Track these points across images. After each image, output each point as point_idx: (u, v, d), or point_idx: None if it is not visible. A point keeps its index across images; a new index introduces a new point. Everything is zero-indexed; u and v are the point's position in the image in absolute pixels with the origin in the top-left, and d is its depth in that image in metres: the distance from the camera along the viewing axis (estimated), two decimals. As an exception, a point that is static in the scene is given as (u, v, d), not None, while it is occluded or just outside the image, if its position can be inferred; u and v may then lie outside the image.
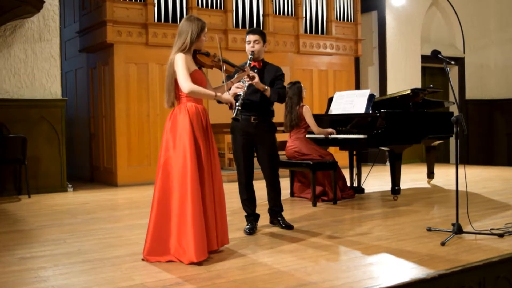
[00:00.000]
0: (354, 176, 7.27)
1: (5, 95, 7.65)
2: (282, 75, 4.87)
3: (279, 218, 4.94)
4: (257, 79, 4.53)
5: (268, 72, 4.84)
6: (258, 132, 4.76)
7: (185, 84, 3.83)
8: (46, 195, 7.61)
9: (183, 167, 3.76)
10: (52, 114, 7.91)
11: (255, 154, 4.88)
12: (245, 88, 4.36)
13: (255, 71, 4.70)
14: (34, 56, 7.86)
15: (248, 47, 4.78)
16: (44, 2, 7.53)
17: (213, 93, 4.03)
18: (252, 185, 4.84)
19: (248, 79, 4.40)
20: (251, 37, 4.78)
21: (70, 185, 8.10)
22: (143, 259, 3.81)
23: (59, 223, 5.42)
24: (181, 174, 3.76)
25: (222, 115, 8.66)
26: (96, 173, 9.41)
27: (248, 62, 4.70)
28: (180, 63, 3.85)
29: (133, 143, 8.71)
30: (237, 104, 4.26)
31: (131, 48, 8.68)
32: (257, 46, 4.77)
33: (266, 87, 4.64)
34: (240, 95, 4.32)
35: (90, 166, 9.58)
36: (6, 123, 7.52)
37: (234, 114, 4.24)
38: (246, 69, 4.37)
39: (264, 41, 4.85)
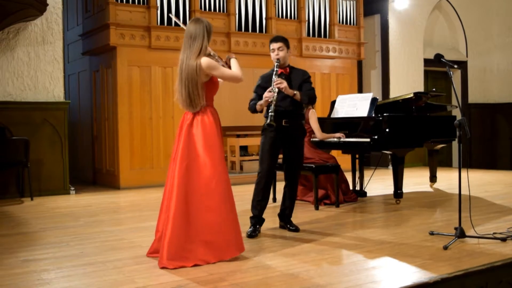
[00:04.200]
0: (357, 179, 7.27)
1: (8, 97, 7.66)
2: (309, 77, 4.97)
3: (287, 222, 4.98)
4: (285, 84, 4.63)
5: (296, 76, 4.91)
6: (289, 135, 4.83)
7: (236, 74, 4.03)
8: (48, 197, 7.62)
9: (219, 169, 3.88)
10: (55, 117, 7.92)
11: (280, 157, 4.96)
12: (275, 94, 4.57)
13: (283, 77, 4.79)
14: (37, 59, 7.87)
15: (273, 55, 4.86)
16: (47, 5, 7.55)
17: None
18: (269, 189, 4.86)
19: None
20: (274, 45, 4.85)
21: (72, 188, 8.11)
22: (162, 267, 3.67)
23: (62, 225, 5.43)
24: (217, 176, 3.87)
25: (224, 118, 8.66)
26: (98, 176, 9.42)
27: (275, 69, 4.76)
28: (216, 63, 3.97)
29: (136, 146, 8.72)
30: (269, 110, 4.53)
31: (134, 51, 8.70)
32: (281, 53, 4.84)
33: (295, 92, 4.72)
34: (272, 102, 4.54)
35: (92, 169, 9.59)
36: (9, 126, 7.53)
37: (268, 120, 4.49)
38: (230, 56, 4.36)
39: (288, 46, 4.91)
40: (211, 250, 3.78)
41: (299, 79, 4.88)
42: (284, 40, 4.89)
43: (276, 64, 4.78)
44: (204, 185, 3.84)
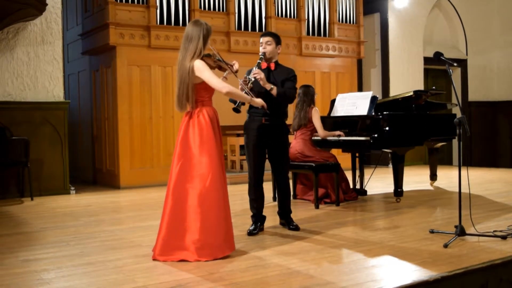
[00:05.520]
0: (357, 178, 7.27)
1: (8, 97, 7.66)
2: (294, 76, 4.95)
3: (287, 220, 4.98)
4: (262, 76, 4.64)
5: (280, 73, 4.90)
6: (271, 133, 4.82)
7: (223, 86, 3.96)
8: (49, 197, 7.62)
9: (214, 169, 3.91)
10: (55, 116, 7.92)
11: (267, 155, 4.95)
12: (250, 83, 4.57)
13: (265, 72, 4.80)
14: (37, 59, 7.87)
15: (260, 49, 4.87)
16: (47, 4, 7.55)
17: (248, 97, 4.25)
18: (261, 186, 4.87)
19: (231, 75, 4.45)
20: (263, 39, 4.89)
21: (72, 188, 8.11)
22: (154, 259, 3.88)
23: (62, 225, 5.43)
24: (212, 176, 3.89)
25: (223, 117, 8.66)
26: (98, 176, 9.42)
27: (258, 62, 4.77)
28: (206, 68, 3.96)
29: (136, 146, 8.72)
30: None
31: (134, 51, 8.69)
32: (268, 48, 4.85)
33: (272, 86, 4.70)
34: (244, 90, 4.49)
35: (92, 169, 9.59)
36: (9, 126, 7.53)
37: (235, 105, 4.43)
38: (231, 64, 4.37)
39: (277, 42, 4.91)
40: (203, 248, 3.82)
41: (283, 76, 4.87)
42: (273, 35, 4.90)
43: (260, 57, 4.80)
44: (198, 184, 3.88)
